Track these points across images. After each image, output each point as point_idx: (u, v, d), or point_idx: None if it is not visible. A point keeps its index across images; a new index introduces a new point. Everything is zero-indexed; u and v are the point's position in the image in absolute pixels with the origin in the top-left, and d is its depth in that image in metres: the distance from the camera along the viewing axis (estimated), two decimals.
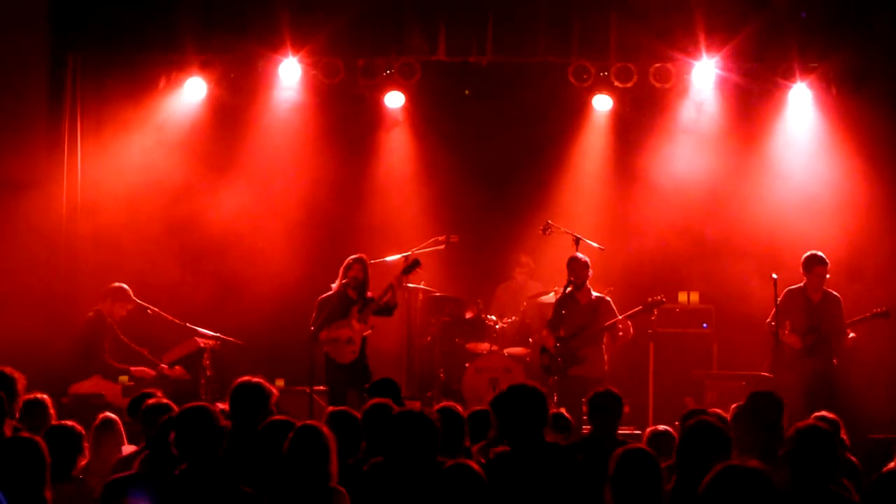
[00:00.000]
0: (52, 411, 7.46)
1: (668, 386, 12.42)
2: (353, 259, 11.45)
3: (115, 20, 12.43)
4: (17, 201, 12.01)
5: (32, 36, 12.36)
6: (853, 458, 7.11)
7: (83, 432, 6.77)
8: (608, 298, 11.55)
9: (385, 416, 6.29)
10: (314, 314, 11.23)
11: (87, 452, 6.83)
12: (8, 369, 6.96)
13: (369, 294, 11.38)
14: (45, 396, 7.54)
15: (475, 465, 5.24)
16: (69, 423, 6.73)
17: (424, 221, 13.20)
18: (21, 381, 7.00)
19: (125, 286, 11.39)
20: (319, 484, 5.71)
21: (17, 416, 6.94)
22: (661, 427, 7.46)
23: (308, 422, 6.08)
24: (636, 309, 11.55)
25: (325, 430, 5.87)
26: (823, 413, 7.26)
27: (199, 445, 5.51)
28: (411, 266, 11.55)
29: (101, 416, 7.69)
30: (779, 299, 11.14)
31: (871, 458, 7.71)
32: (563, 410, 8.38)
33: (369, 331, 11.32)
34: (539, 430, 5.94)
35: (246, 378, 7.09)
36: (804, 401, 10.19)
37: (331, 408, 7.21)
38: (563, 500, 5.80)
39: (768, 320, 11.33)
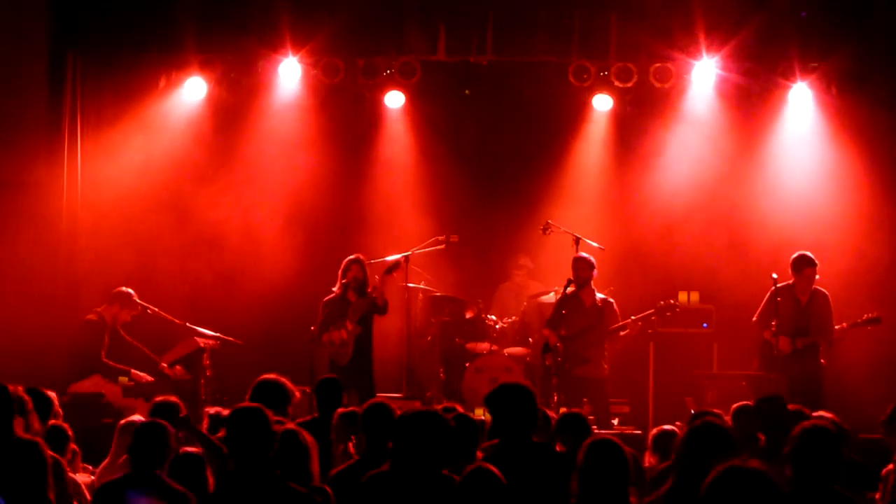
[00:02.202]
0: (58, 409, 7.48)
1: (668, 386, 12.40)
2: (351, 260, 11.46)
3: (115, 19, 12.43)
4: (17, 201, 12.01)
5: (32, 36, 12.35)
6: (857, 458, 7.10)
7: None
8: (611, 300, 11.54)
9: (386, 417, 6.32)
10: (319, 316, 11.27)
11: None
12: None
13: (370, 291, 11.38)
14: (52, 393, 7.58)
15: (495, 469, 5.19)
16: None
17: (424, 221, 13.17)
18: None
19: (131, 291, 11.36)
20: (302, 484, 5.72)
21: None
22: (668, 427, 7.43)
23: (288, 426, 6.10)
24: (647, 312, 11.53)
25: (305, 433, 5.90)
26: (822, 413, 7.25)
27: (250, 445, 5.50)
28: (391, 267, 11.53)
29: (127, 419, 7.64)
30: (766, 296, 11.13)
31: (863, 457, 7.69)
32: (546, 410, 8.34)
33: (359, 329, 11.31)
34: (527, 429, 5.97)
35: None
36: (792, 402, 10.16)
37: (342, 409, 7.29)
38: (548, 497, 5.83)
39: (754, 319, 11.33)
